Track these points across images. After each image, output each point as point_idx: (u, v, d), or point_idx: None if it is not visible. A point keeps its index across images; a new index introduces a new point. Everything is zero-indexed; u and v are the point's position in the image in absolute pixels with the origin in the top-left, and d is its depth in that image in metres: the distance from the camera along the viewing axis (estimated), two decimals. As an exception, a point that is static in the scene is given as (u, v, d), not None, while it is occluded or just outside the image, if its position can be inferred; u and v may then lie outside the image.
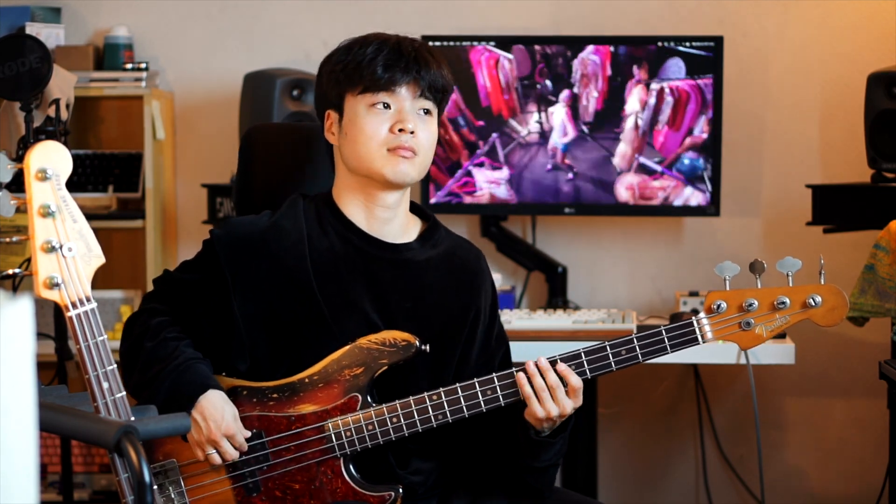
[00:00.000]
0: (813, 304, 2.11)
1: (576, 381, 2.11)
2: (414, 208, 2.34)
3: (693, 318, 2.13)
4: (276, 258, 2.21)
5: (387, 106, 2.19)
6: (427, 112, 2.22)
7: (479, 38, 3.42)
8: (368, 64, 2.19)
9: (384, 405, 2.14)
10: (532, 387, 2.11)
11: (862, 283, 2.91)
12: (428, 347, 2.17)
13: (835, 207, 3.22)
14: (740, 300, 2.12)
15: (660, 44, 3.37)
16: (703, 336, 2.13)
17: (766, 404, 3.61)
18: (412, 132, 2.18)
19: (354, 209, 2.25)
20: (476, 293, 2.29)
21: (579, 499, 2.32)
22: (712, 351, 3.06)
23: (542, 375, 2.11)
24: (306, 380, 2.17)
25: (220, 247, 2.22)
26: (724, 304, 2.13)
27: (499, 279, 3.29)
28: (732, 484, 3.68)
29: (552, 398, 2.10)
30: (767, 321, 2.13)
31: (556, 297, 3.54)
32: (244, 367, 2.22)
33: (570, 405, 2.11)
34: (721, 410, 3.66)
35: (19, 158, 2.80)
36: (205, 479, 2.17)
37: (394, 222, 2.26)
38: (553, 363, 2.12)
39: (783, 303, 2.11)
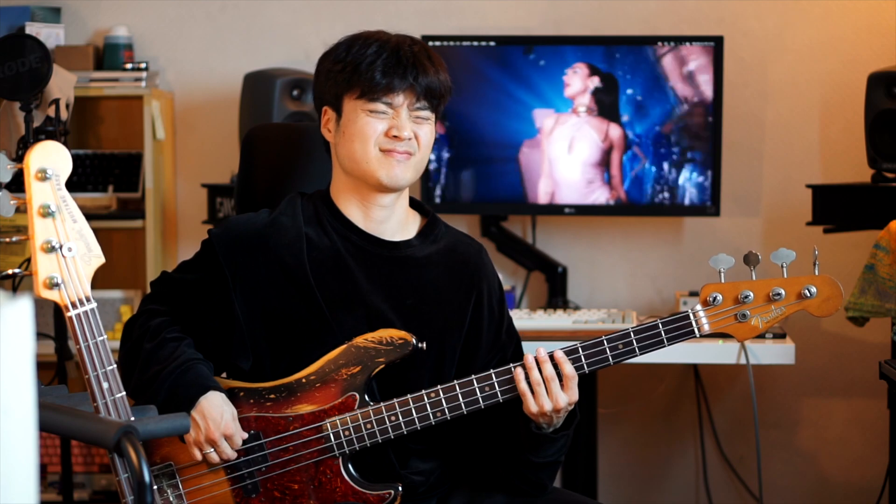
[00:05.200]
0: (808, 294, 2.11)
1: (570, 370, 2.11)
2: (412, 203, 2.34)
3: (689, 310, 2.13)
4: (275, 255, 2.21)
5: (384, 111, 2.20)
6: (424, 118, 2.22)
7: (479, 38, 3.41)
8: (367, 69, 2.18)
9: (382, 404, 2.14)
10: (528, 381, 2.11)
11: (862, 283, 2.91)
12: (425, 345, 2.16)
13: (835, 207, 3.22)
14: (736, 292, 2.12)
15: (660, 44, 3.37)
16: (699, 329, 2.13)
17: (766, 404, 3.60)
18: (408, 139, 2.19)
19: (352, 208, 2.25)
20: (477, 288, 2.28)
21: (579, 499, 2.32)
22: (712, 351, 3.06)
23: (539, 367, 2.11)
24: (303, 380, 2.17)
25: (219, 245, 2.23)
26: (719, 297, 2.13)
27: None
28: (732, 484, 3.68)
29: (546, 392, 2.10)
30: (763, 312, 2.13)
31: (556, 297, 3.54)
32: (247, 364, 2.21)
33: (563, 399, 2.11)
34: (721, 410, 3.66)
35: (19, 158, 2.80)
36: (203, 481, 2.16)
37: (391, 220, 2.26)
38: (550, 354, 2.12)
39: (778, 294, 2.11)
